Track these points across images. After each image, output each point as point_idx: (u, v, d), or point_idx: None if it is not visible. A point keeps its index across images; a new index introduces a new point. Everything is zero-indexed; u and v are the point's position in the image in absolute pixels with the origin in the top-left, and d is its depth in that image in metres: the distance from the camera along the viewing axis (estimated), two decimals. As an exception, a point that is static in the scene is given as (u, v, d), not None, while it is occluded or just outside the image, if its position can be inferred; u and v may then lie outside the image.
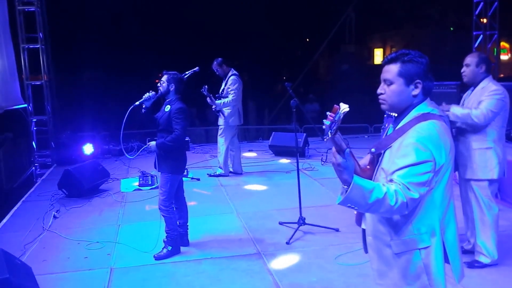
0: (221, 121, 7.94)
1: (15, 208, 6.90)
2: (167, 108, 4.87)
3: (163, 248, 4.96)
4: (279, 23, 18.46)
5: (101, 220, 6.23)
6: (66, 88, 13.83)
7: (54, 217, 6.29)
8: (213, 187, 7.64)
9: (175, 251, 4.96)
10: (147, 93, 4.86)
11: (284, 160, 9.46)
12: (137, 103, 4.86)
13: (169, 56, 13.66)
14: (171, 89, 4.88)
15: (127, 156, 5.89)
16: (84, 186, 7.10)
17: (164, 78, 4.94)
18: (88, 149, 9.02)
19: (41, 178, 8.87)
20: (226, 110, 7.82)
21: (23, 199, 7.38)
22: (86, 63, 16.62)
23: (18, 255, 4.88)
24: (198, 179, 8.00)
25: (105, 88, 15.82)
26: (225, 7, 16.41)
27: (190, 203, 5.57)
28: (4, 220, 6.38)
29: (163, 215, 4.93)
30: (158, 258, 4.89)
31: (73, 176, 7.10)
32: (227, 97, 7.82)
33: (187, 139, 9.58)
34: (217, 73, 8.02)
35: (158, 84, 4.97)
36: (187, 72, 6.14)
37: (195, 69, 7.69)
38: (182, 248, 5.07)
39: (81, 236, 5.63)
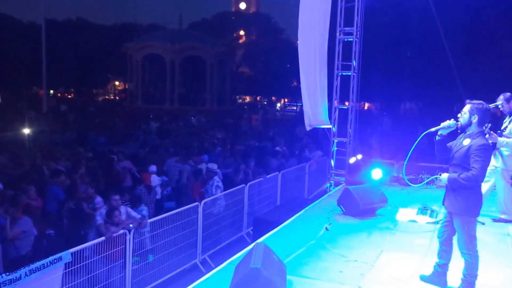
0: (496, 162, 6.95)
1: (297, 214, 7.63)
2: (466, 141, 4.40)
3: None
4: None
5: (367, 242, 6.31)
6: (371, 114, 14.49)
7: (326, 229, 6.69)
8: (497, 236, 6.72)
9: None
10: (448, 121, 4.56)
11: None
12: (433, 129, 4.59)
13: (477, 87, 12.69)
14: (474, 120, 4.40)
15: (409, 183, 5.70)
16: (360, 206, 7.31)
17: (466, 108, 4.47)
18: (376, 174, 9.19)
19: (329, 194, 9.49)
20: (505, 152, 6.83)
21: (306, 208, 8.06)
22: (399, 94, 17.02)
23: (282, 254, 5.39)
24: (483, 223, 7.20)
25: (411, 118, 15.88)
26: None
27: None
28: (286, 222, 7.14)
29: (464, 258, 4.52)
30: None
31: (351, 195, 7.39)
32: (509, 137, 6.78)
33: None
34: (501, 108, 7.03)
35: (459, 115, 4.55)
36: (490, 105, 5.56)
37: (497, 103, 6.97)
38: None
39: (343, 251, 5.85)
